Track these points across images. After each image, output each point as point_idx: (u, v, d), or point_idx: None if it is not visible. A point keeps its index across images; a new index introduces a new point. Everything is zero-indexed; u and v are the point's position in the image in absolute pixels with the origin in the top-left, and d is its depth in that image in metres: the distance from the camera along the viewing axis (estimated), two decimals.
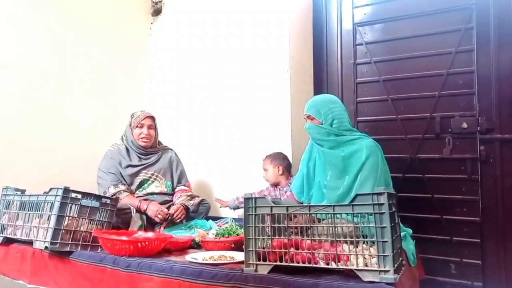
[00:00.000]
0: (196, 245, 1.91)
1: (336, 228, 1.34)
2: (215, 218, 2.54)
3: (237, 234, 1.86)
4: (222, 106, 2.90)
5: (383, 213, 1.26)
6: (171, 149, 2.65)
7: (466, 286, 2.36)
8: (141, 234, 1.89)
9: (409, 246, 1.83)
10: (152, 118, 2.51)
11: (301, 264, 1.35)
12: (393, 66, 2.60)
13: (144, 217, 2.28)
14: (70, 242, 1.76)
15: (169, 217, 2.32)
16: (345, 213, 1.38)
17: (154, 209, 2.27)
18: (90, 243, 1.81)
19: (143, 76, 3.26)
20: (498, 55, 2.31)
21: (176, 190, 2.55)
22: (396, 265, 1.26)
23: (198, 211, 2.48)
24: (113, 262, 1.62)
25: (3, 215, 2.01)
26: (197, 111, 3.03)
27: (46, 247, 1.72)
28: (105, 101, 2.94)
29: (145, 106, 2.94)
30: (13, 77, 2.44)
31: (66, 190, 1.77)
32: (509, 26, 2.29)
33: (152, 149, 2.53)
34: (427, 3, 2.49)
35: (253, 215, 1.43)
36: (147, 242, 1.68)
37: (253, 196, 1.44)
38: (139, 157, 2.48)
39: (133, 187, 2.42)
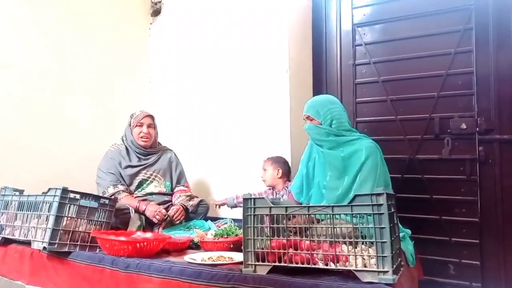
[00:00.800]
0: (195, 246, 1.91)
1: (335, 229, 1.34)
2: (214, 219, 2.54)
3: (236, 235, 1.86)
4: (221, 107, 2.90)
5: (382, 213, 1.26)
6: (171, 150, 2.65)
7: (465, 287, 2.36)
8: (139, 234, 1.88)
9: (408, 246, 1.83)
10: (151, 117, 2.51)
11: (300, 265, 1.35)
12: (392, 67, 2.60)
13: (143, 217, 2.28)
14: (68, 242, 1.76)
15: (168, 218, 2.32)
16: (344, 214, 1.38)
17: (152, 210, 2.27)
18: (88, 244, 1.80)
19: (143, 76, 3.26)
20: (497, 55, 2.31)
21: (175, 190, 2.55)
22: (395, 266, 1.26)
23: (197, 211, 2.49)
24: (111, 262, 1.62)
25: (2, 215, 2.01)
26: (196, 112, 3.03)
27: (44, 248, 1.72)
28: (104, 101, 2.94)
29: (145, 106, 2.94)
30: (12, 77, 2.43)
31: (65, 191, 1.77)
32: (508, 27, 2.29)
33: (151, 149, 2.53)
34: (426, 4, 2.49)
35: (252, 216, 1.43)
36: (145, 243, 1.68)
37: (252, 196, 1.44)
38: (138, 157, 2.48)
39: (133, 187, 2.42)
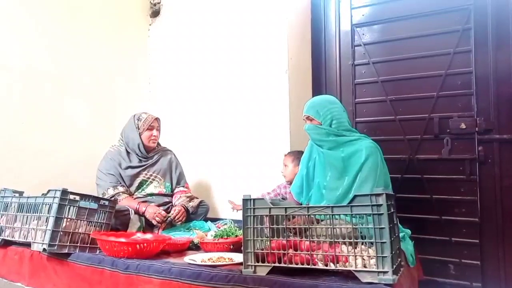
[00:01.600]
0: (194, 247, 1.91)
1: (334, 229, 1.34)
2: (214, 220, 2.54)
3: (236, 236, 1.86)
4: (221, 107, 2.90)
5: (382, 214, 1.26)
6: (170, 151, 2.65)
7: (465, 287, 2.36)
8: (139, 235, 1.88)
9: (408, 247, 1.83)
10: (158, 119, 2.54)
11: (299, 265, 1.35)
12: (391, 67, 2.61)
13: (143, 218, 2.28)
14: (68, 244, 1.75)
15: (167, 219, 2.32)
16: (344, 214, 1.38)
17: (151, 212, 2.27)
18: (88, 245, 1.80)
19: (142, 77, 3.26)
20: (496, 55, 2.31)
21: (175, 191, 2.55)
22: (394, 266, 1.26)
23: (197, 212, 2.48)
24: (111, 264, 1.62)
25: (1, 217, 2.00)
26: (196, 112, 3.03)
27: (44, 249, 1.72)
28: (103, 102, 2.94)
29: (144, 107, 2.94)
30: (11, 79, 2.43)
31: (64, 192, 1.76)
32: (507, 27, 2.29)
33: (152, 150, 2.53)
34: (425, 4, 2.50)
35: (252, 216, 1.43)
36: (145, 244, 1.68)
37: (251, 197, 1.44)
38: (139, 158, 2.48)
39: (133, 188, 2.42)
